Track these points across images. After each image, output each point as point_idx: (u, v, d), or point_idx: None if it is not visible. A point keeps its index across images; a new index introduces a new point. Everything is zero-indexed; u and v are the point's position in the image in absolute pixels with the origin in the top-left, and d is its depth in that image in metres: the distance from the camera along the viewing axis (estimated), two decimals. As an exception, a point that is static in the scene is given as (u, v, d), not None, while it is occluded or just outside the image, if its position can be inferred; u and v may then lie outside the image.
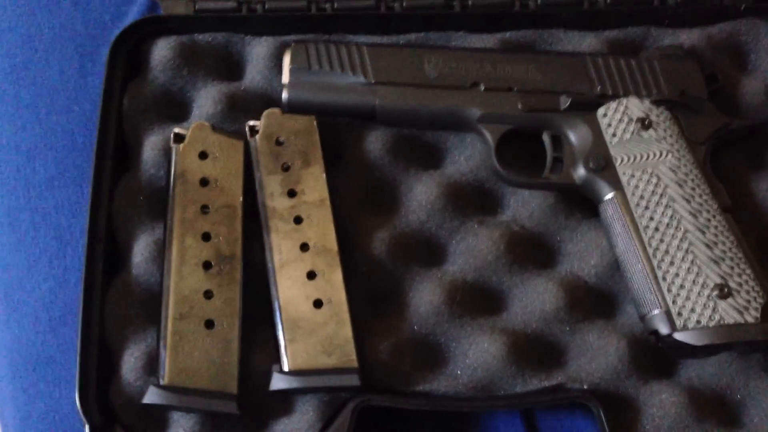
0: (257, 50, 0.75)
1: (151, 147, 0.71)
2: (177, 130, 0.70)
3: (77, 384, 0.62)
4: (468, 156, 0.73)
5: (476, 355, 0.65)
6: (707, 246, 0.64)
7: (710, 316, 0.61)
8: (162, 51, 0.74)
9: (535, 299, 0.68)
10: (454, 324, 0.67)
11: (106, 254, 0.68)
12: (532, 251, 0.70)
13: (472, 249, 0.69)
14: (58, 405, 0.71)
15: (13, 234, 0.76)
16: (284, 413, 0.64)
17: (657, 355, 0.66)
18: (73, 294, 0.72)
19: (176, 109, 0.74)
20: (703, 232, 0.64)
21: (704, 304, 0.62)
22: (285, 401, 0.64)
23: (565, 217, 0.71)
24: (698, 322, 0.62)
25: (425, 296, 0.67)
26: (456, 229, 0.70)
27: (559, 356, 0.67)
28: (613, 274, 0.68)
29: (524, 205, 0.71)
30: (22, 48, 0.81)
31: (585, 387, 0.65)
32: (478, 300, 0.68)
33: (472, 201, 0.72)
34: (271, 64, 0.74)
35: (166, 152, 0.70)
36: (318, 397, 0.63)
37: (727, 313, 0.61)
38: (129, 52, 0.74)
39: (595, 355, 0.65)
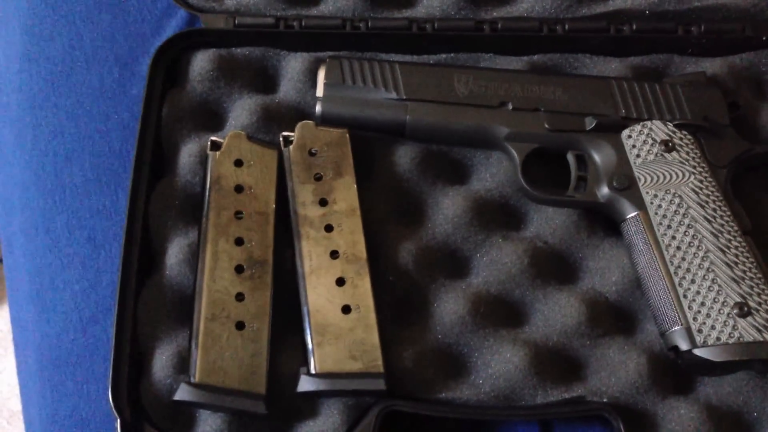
0: (292, 65, 0.78)
1: (187, 154, 0.73)
2: (214, 138, 0.72)
3: (110, 379, 0.64)
4: (494, 173, 0.75)
5: (498, 365, 0.67)
6: (728, 265, 0.65)
7: (730, 334, 0.63)
8: (201, 63, 0.77)
9: (557, 313, 0.69)
10: (477, 335, 0.68)
11: (140, 256, 0.70)
12: (555, 267, 0.72)
13: (497, 262, 0.71)
14: (84, 404, 0.72)
15: (48, 236, 0.78)
16: (310, 415, 0.65)
17: (676, 372, 0.67)
18: (104, 295, 0.75)
19: (212, 118, 0.77)
20: (724, 252, 0.66)
21: (724, 322, 0.63)
22: (311, 404, 0.65)
23: (588, 235, 0.72)
24: (718, 339, 0.63)
25: (450, 307, 0.69)
26: (481, 243, 0.72)
27: (580, 370, 0.68)
28: (633, 291, 0.70)
29: (548, 222, 0.73)
30: (64, 57, 0.84)
31: (605, 400, 0.66)
32: (501, 312, 0.70)
33: (497, 216, 0.74)
34: (305, 78, 0.77)
35: (202, 159, 0.72)
36: (343, 401, 0.65)
37: (747, 331, 0.63)
38: (169, 63, 0.77)
39: (615, 370, 0.67)
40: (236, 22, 0.78)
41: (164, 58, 0.77)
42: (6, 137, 0.85)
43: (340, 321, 0.66)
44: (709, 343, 0.63)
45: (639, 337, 0.69)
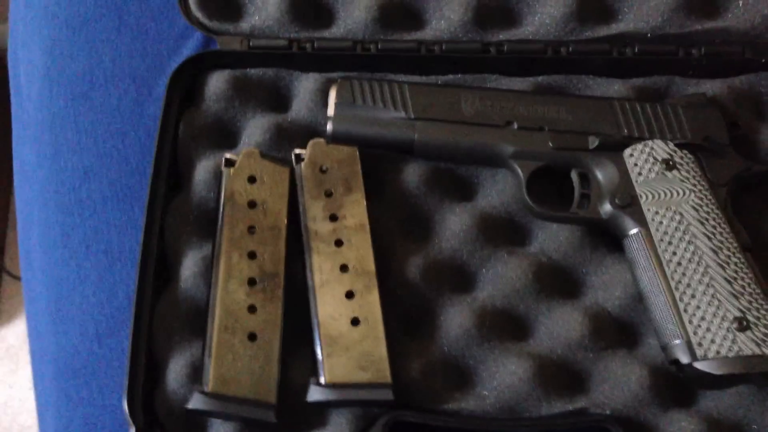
0: (304, 85, 0.80)
1: (202, 170, 0.75)
2: (228, 155, 0.74)
3: (126, 387, 0.65)
4: (499, 190, 0.77)
5: (503, 377, 0.68)
6: (727, 281, 0.67)
7: (729, 347, 0.64)
8: (216, 83, 0.79)
9: (560, 327, 0.71)
10: (482, 347, 0.70)
11: (156, 269, 0.72)
12: (559, 281, 0.73)
13: (502, 277, 0.73)
14: (99, 413, 0.74)
15: (65, 250, 0.80)
16: (319, 425, 0.67)
17: (677, 385, 0.69)
18: (120, 308, 0.77)
19: (227, 136, 0.79)
20: (724, 268, 0.67)
21: (724, 336, 0.65)
22: (320, 413, 0.67)
23: (591, 251, 0.74)
24: (718, 352, 0.64)
25: (456, 320, 0.70)
26: (486, 258, 0.74)
27: (583, 382, 0.70)
28: (635, 306, 0.71)
29: (552, 238, 0.75)
30: (83, 77, 0.87)
31: (608, 412, 0.67)
32: (507, 325, 0.71)
33: (503, 232, 0.75)
34: (317, 98, 0.79)
35: (217, 176, 0.75)
36: (352, 411, 0.66)
37: (746, 344, 0.64)
38: (186, 83, 0.80)
39: (618, 383, 0.68)
40: (250, 44, 0.81)
41: (181, 78, 0.79)
42: (27, 155, 0.87)
43: (349, 333, 0.67)
44: (709, 357, 0.64)
45: (641, 351, 0.71)
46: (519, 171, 0.74)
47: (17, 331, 1.65)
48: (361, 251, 0.71)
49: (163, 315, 0.70)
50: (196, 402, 0.64)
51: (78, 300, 0.78)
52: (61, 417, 0.76)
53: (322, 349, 0.67)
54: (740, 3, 0.82)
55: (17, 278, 1.65)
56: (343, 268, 0.70)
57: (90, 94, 0.86)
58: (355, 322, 0.68)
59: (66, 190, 0.82)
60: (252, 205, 0.72)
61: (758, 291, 0.66)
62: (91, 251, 0.79)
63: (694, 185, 0.71)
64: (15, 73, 0.94)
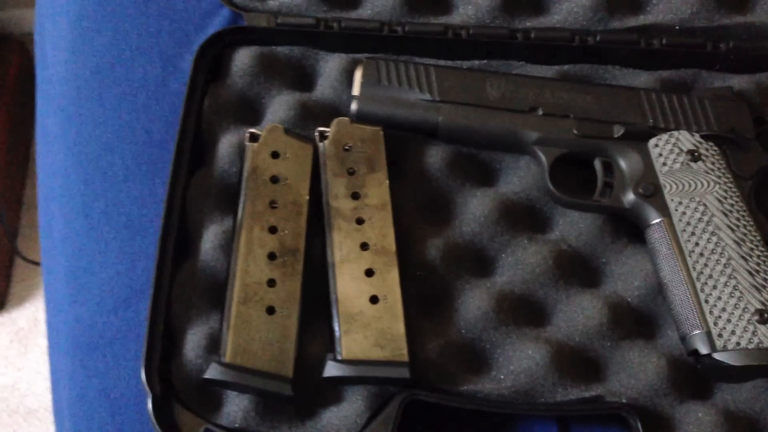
0: (330, 65, 0.80)
1: (226, 145, 0.76)
2: (252, 130, 0.74)
3: (144, 356, 0.66)
4: (521, 176, 0.76)
5: (520, 361, 0.68)
6: (749, 273, 0.66)
7: (750, 339, 0.64)
8: (243, 59, 0.79)
9: (579, 314, 0.70)
10: (499, 331, 0.70)
11: (177, 241, 0.72)
12: (579, 269, 0.73)
13: (521, 263, 0.72)
14: (114, 383, 0.74)
15: (86, 221, 0.80)
16: (334, 401, 0.67)
17: (695, 377, 0.68)
18: (138, 280, 0.77)
19: (251, 112, 0.79)
20: (746, 260, 0.67)
21: (744, 328, 0.64)
22: (336, 389, 0.67)
23: (612, 240, 0.74)
24: (738, 343, 0.64)
25: (474, 303, 0.70)
26: (506, 243, 0.74)
27: (600, 370, 0.69)
28: (655, 297, 0.71)
29: (573, 226, 0.74)
30: (109, 50, 0.87)
31: (624, 401, 0.67)
32: (524, 311, 0.71)
33: (523, 218, 0.75)
34: (342, 78, 0.79)
35: (240, 151, 0.75)
36: (367, 389, 0.66)
37: (766, 337, 0.64)
38: (213, 58, 0.80)
39: (635, 372, 0.68)
40: (278, 21, 0.81)
41: (208, 53, 0.80)
42: (51, 126, 0.88)
43: (368, 310, 0.67)
44: (729, 348, 0.64)
45: (659, 342, 0.70)
46: (542, 157, 0.74)
47: (27, 314, 1.66)
48: (381, 230, 0.71)
49: (182, 286, 0.70)
50: (212, 372, 0.64)
51: (97, 271, 0.78)
52: (75, 387, 0.76)
53: (339, 325, 0.67)
54: (770, -2, 0.81)
55: (29, 261, 1.66)
56: (364, 246, 0.70)
57: (115, 67, 0.86)
58: (373, 300, 0.68)
59: (89, 161, 0.83)
60: (274, 180, 0.72)
61: (780, 284, 0.66)
62: (111, 223, 0.80)
63: (719, 177, 0.71)
64: (41, 46, 0.94)
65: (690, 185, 0.71)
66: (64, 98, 0.86)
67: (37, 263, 1.62)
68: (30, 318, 1.64)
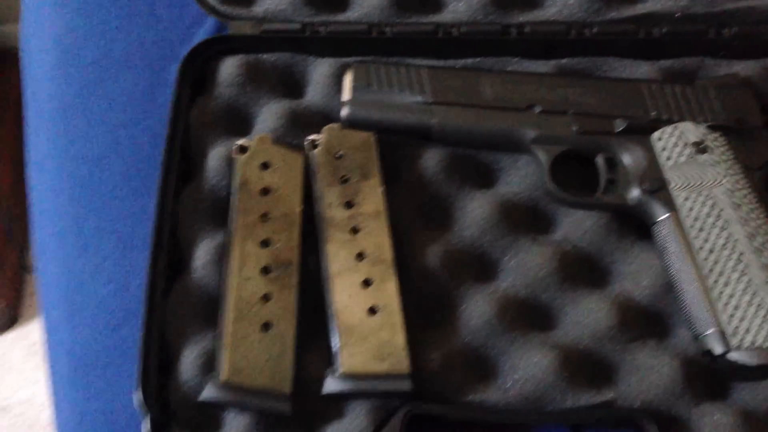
0: (319, 70, 0.78)
1: (215, 158, 0.73)
2: (240, 142, 0.72)
3: (139, 378, 0.64)
4: (522, 176, 0.74)
5: (527, 368, 0.66)
6: (763, 268, 0.64)
7: (765, 337, 0.61)
8: (228, 69, 0.77)
9: (586, 317, 0.68)
10: (504, 338, 0.67)
11: (168, 258, 0.70)
12: (584, 270, 0.70)
13: (524, 266, 0.70)
14: (113, 405, 0.72)
15: (78, 240, 0.79)
16: (336, 417, 0.64)
17: (709, 377, 0.66)
18: (133, 298, 0.75)
19: (240, 123, 0.77)
20: (759, 255, 0.64)
21: (759, 325, 0.62)
22: (337, 405, 0.65)
23: (618, 239, 0.71)
24: (753, 342, 0.61)
25: (477, 309, 0.68)
26: (508, 246, 0.71)
27: (610, 374, 0.67)
28: (665, 295, 0.68)
29: (577, 225, 0.72)
30: (95, 65, 0.85)
31: (637, 405, 0.64)
32: (530, 315, 0.69)
33: (525, 220, 0.73)
34: (332, 83, 0.77)
35: (229, 163, 0.73)
36: (369, 403, 0.64)
37: (783, 334, 0.61)
38: (198, 69, 0.78)
39: (647, 375, 0.65)
40: (263, 28, 0.79)
41: (192, 64, 0.77)
42: (40, 144, 0.86)
43: (367, 322, 0.65)
44: (744, 347, 0.61)
45: (671, 342, 0.68)
46: (541, 156, 0.72)
47: (40, 327, 1.65)
48: (377, 239, 0.68)
49: (175, 304, 0.68)
50: (209, 392, 0.62)
51: (92, 290, 0.77)
52: (75, 409, 0.74)
53: (338, 339, 0.65)
54: (774, -20, 0.79)
55: (39, 275, 1.65)
56: (360, 256, 0.68)
57: (102, 81, 0.85)
58: (372, 311, 0.66)
59: (78, 179, 0.81)
60: (265, 192, 0.70)
61: (795, 279, 0.63)
62: (103, 241, 0.78)
63: (727, 169, 0.68)
64: (27, 63, 0.93)
65: (697, 179, 0.68)
66: (52, 114, 0.85)
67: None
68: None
